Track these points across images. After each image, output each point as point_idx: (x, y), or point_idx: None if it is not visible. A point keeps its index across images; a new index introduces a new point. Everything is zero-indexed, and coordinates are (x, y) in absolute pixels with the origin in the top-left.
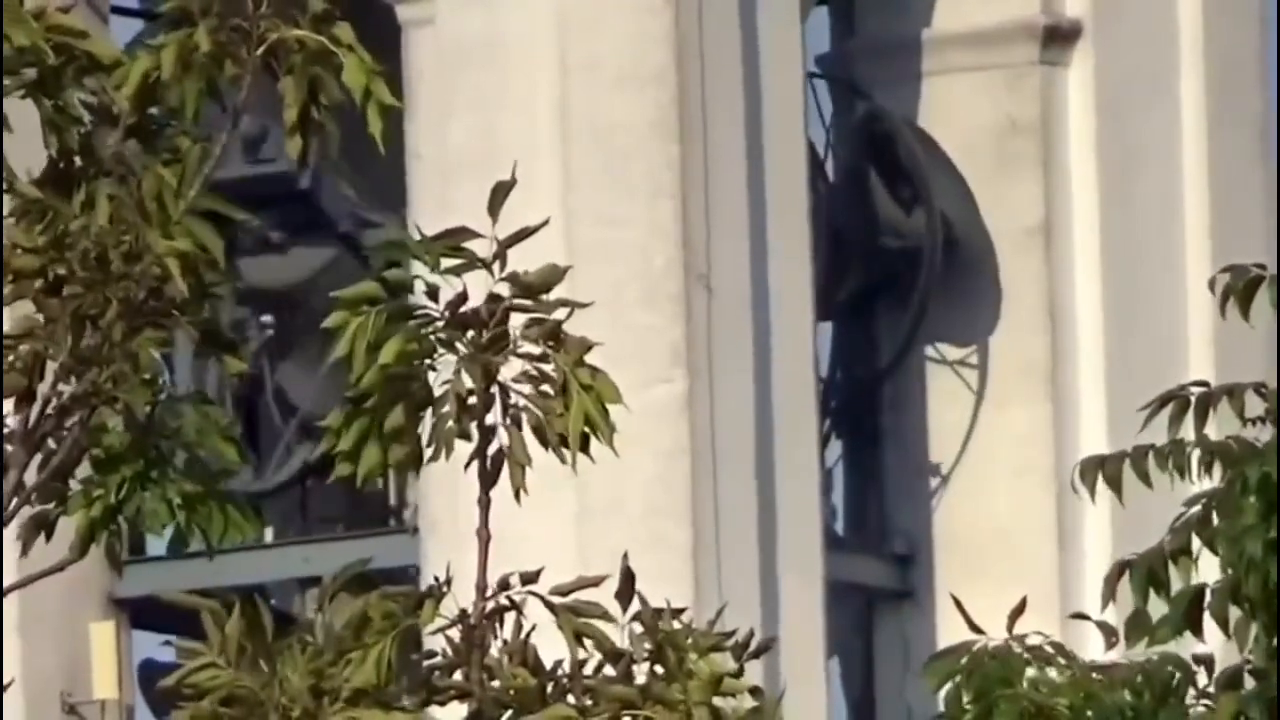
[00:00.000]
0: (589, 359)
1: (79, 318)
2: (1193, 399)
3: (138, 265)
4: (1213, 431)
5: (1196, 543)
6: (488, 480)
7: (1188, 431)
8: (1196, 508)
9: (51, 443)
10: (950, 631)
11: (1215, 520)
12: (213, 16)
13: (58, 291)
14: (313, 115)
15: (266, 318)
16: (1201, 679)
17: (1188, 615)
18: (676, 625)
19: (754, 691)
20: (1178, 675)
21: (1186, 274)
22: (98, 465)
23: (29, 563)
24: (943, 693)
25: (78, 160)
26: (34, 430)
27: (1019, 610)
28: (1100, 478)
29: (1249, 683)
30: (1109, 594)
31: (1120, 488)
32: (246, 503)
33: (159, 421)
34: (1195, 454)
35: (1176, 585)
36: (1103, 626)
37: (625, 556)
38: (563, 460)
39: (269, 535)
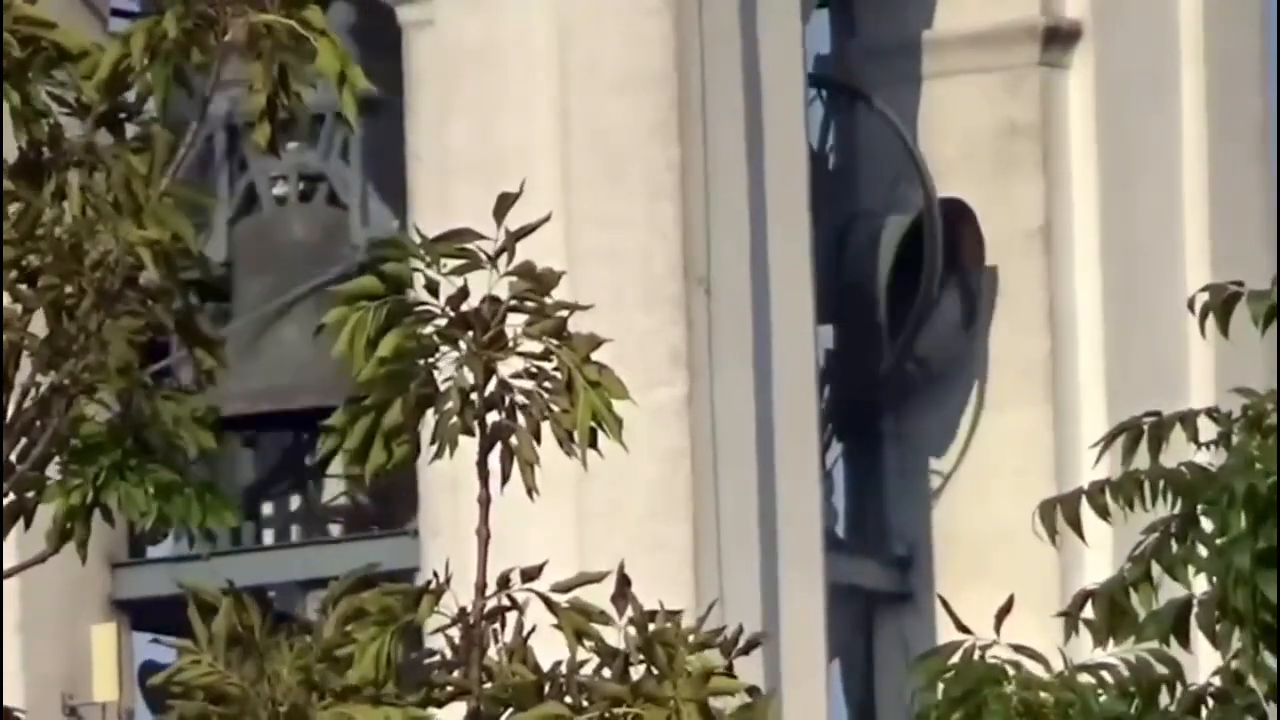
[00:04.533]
0: (595, 356)
1: (54, 308)
2: (1146, 429)
3: (111, 254)
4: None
5: (1157, 569)
6: (488, 478)
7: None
8: (1155, 535)
9: (31, 433)
10: (950, 633)
11: (1174, 547)
12: (180, 3)
13: (32, 282)
14: (281, 102)
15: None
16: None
17: (1175, 626)
18: (667, 625)
19: (751, 690)
20: (1165, 674)
21: (1186, 275)
22: (75, 455)
23: (24, 559)
24: (921, 694)
25: (47, 151)
26: (12, 421)
27: (1006, 609)
28: (1059, 518)
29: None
30: (1072, 626)
31: (1080, 528)
32: (243, 503)
33: (137, 411)
34: (1148, 484)
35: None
36: (1090, 624)
37: (621, 565)
38: (569, 454)
39: (269, 538)
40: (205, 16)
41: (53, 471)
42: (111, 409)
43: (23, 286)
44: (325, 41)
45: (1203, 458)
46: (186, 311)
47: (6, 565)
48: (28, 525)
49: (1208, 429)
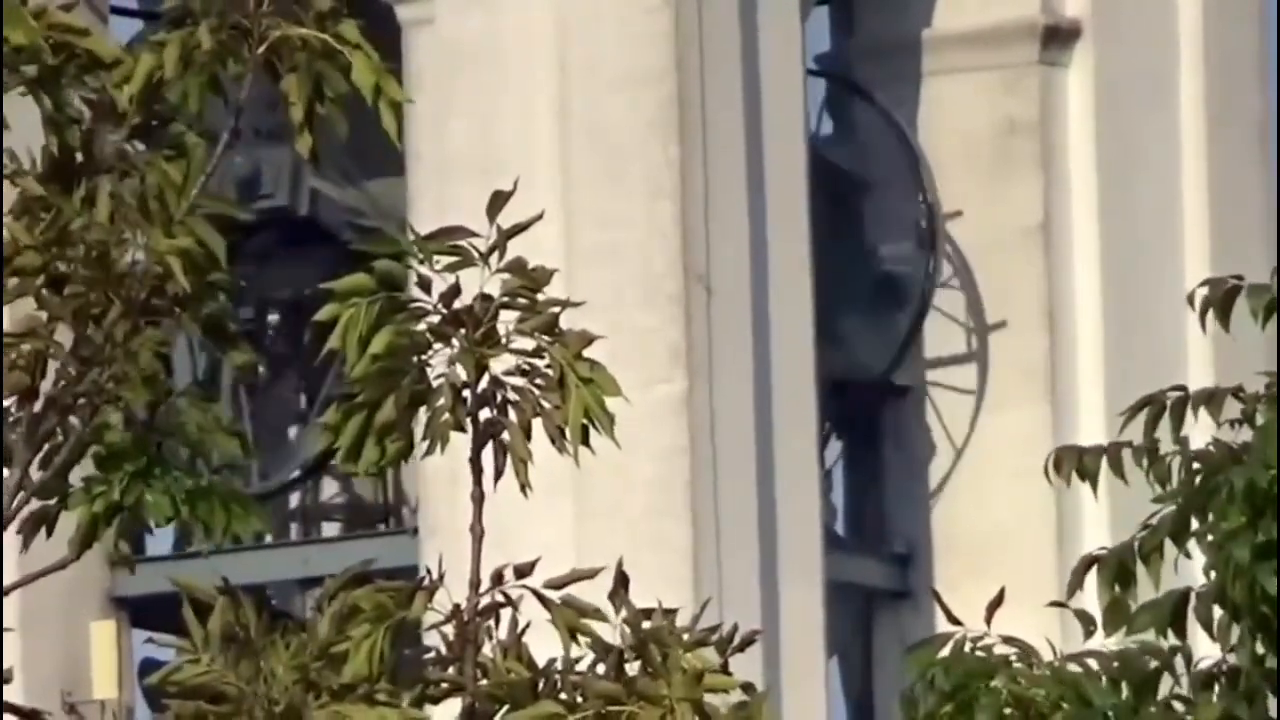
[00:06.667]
0: (588, 353)
1: (81, 316)
2: (1169, 403)
3: (139, 264)
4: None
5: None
6: (481, 475)
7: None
8: (1171, 508)
9: (54, 439)
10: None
11: (1194, 524)
12: (214, 15)
13: (60, 289)
14: (317, 111)
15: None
16: (1179, 667)
17: (1172, 619)
18: (662, 623)
19: (746, 688)
20: (1154, 665)
21: (1185, 274)
22: (100, 463)
23: (30, 561)
24: (915, 688)
25: (78, 157)
26: (36, 427)
27: (997, 602)
28: (1075, 469)
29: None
30: (1076, 584)
31: (1095, 481)
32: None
33: (161, 419)
34: (1176, 460)
35: (1144, 582)
36: (1081, 615)
37: (620, 562)
38: (561, 451)
39: (268, 536)
40: (239, 27)
41: (75, 479)
42: (135, 417)
43: (49, 294)
44: (360, 55)
45: (1224, 437)
46: (215, 314)
47: (20, 571)
48: (49, 533)
49: (1230, 408)
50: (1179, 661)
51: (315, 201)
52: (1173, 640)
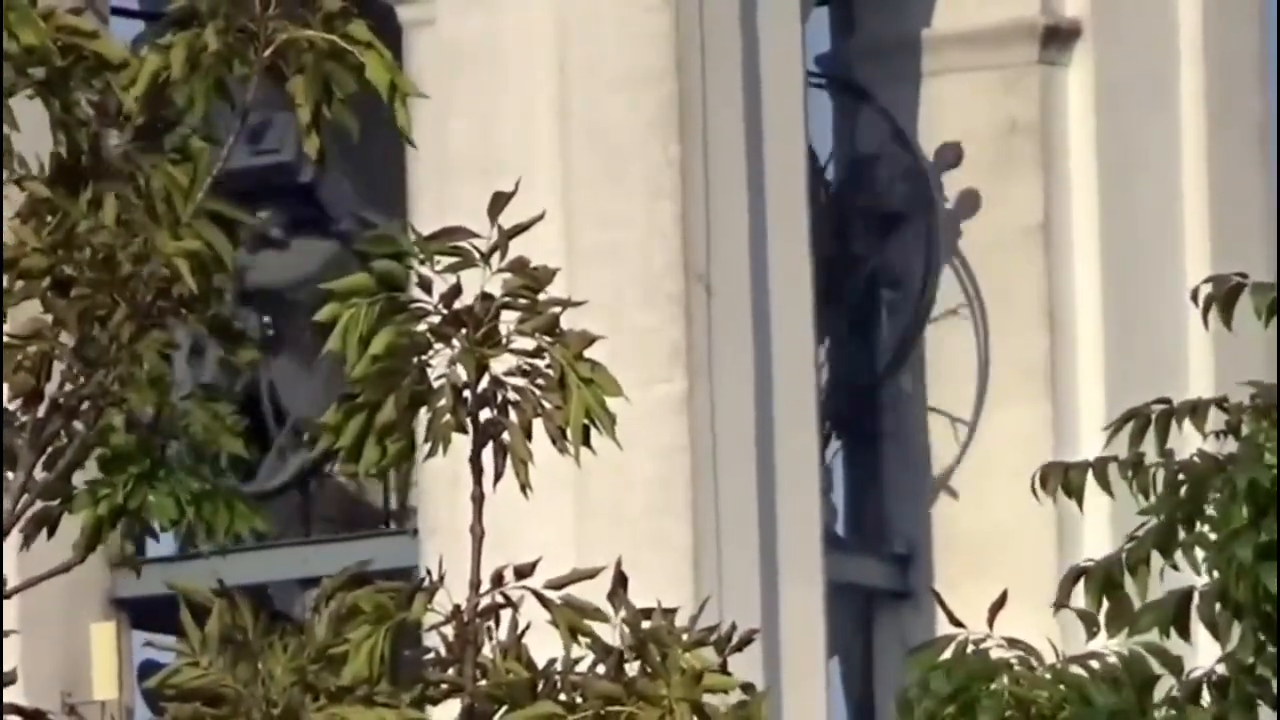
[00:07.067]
0: (589, 354)
1: (86, 318)
2: (1153, 416)
3: (145, 266)
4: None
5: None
6: (481, 475)
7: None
8: (1157, 519)
9: (58, 442)
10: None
11: (1180, 534)
12: (220, 17)
13: (66, 291)
14: (324, 114)
15: (265, 317)
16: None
17: (1175, 618)
18: (661, 623)
19: (745, 687)
20: (1157, 667)
21: (1186, 274)
22: (104, 465)
23: (32, 563)
24: (912, 689)
25: (85, 159)
26: (41, 430)
27: (999, 603)
28: (1061, 485)
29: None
30: (1064, 597)
31: (1081, 496)
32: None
33: (166, 421)
34: (1160, 472)
35: (1133, 595)
36: (1084, 616)
37: (619, 562)
38: (562, 452)
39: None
40: (245, 30)
41: (79, 481)
42: (139, 419)
43: (54, 296)
44: (372, 54)
45: (1209, 448)
46: (221, 314)
47: (22, 573)
48: (50, 534)
49: (1215, 419)
50: (1179, 664)
51: (319, 174)
52: (1175, 641)
